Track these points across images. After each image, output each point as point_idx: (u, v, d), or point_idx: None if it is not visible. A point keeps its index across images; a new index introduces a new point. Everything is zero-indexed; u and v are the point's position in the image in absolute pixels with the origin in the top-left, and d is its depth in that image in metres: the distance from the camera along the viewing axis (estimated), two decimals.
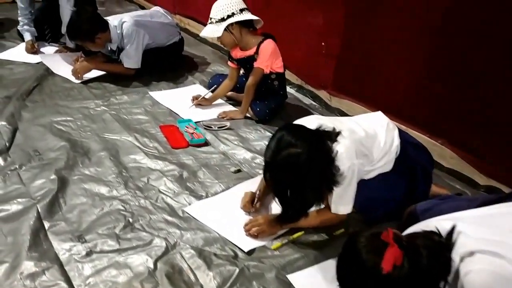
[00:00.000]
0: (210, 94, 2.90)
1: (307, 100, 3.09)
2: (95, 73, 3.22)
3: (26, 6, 3.53)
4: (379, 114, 1.96)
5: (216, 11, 2.57)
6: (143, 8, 4.93)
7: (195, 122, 2.65)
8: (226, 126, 2.64)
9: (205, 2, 4.01)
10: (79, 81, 3.13)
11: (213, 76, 3.13)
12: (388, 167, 1.83)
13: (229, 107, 2.91)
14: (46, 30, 3.72)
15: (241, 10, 2.58)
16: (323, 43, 2.94)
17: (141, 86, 3.14)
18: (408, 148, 1.87)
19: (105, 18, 3.16)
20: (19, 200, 1.94)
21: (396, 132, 1.87)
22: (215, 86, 2.92)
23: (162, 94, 3.05)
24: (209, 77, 3.31)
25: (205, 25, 2.68)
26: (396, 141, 1.84)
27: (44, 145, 2.37)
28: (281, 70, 2.77)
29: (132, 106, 2.85)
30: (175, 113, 2.80)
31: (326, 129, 1.63)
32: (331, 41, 2.88)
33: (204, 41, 4.05)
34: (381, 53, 2.60)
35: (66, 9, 3.42)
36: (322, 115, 2.92)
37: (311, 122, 1.69)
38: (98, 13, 3.22)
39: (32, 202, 1.92)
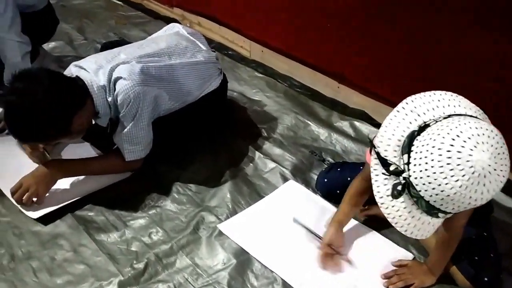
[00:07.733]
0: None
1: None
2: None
3: None
4: None
5: (449, 204, 0.91)
6: None
7: None
8: None
9: None
10: (39, 213, 1.51)
11: (328, 170, 1.64)
12: None
13: (399, 253, 1.45)
14: None
15: None
16: None
17: (189, 200, 1.58)
18: None
19: (76, 65, 1.59)
20: None
21: None
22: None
23: (242, 225, 1.51)
24: (295, 150, 1.87)
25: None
26: None
27: None
28: None
29: (203, 283, 1.32)
30: None
31: None
32: None
33: (237, 58, 2.44)
34: None
35: (9, 42, 1.89)
36: None
37: None
38: (59, 73, 1.51)
39: None
